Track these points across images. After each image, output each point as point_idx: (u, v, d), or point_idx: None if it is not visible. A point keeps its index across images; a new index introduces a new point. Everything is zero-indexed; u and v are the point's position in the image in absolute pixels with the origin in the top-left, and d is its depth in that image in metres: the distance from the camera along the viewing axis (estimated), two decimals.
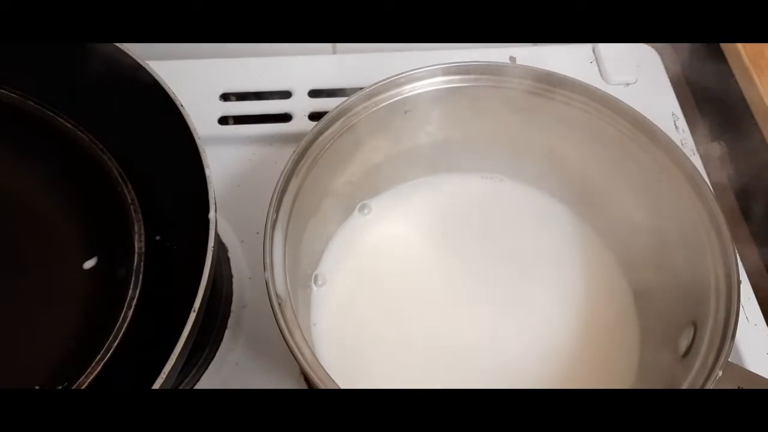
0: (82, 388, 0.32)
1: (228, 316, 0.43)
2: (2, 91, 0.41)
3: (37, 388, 0.35)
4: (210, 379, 0.41)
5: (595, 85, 0.40)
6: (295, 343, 0.31)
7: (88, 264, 0.39)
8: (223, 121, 0.51)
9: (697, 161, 0.50)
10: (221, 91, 0.52)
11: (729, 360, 0.32)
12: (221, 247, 0.45)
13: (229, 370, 0.41)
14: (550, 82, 0.40)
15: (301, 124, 0.51)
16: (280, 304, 0.31)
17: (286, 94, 0.53)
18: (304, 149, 0.36)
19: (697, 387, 0.31)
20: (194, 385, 0.40)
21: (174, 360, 0.30)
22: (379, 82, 0.39)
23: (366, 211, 0.44)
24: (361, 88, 0.39)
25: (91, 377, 0.33)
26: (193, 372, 0.40)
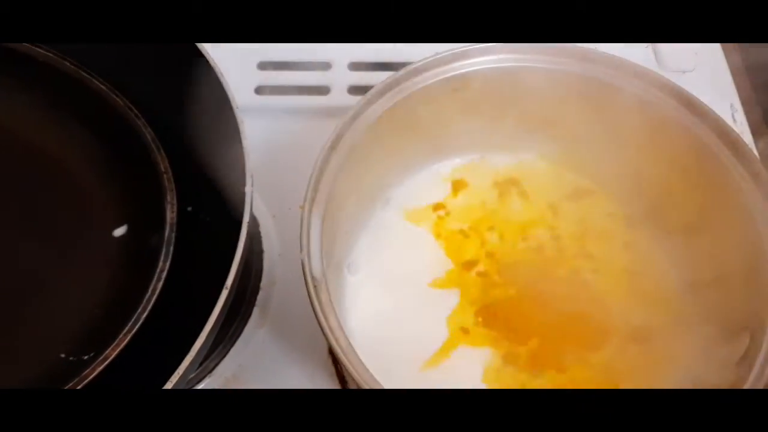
0: (109, 360, 0.32)
1: (257, 292, 0.42)
2: (39, 50, 0.40)
3: (62, 356, 0.34)
4: (236, 356, 0.40)
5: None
6: (329, 327, 0.29)
7: (118, 231, 0.38)
8: (259, 90, 0.50)
9: None
10: (259, 60, 0.51)
11: None
12: (253, 222, 0.44)
13: (256, 348, 0.40)
14: (611, 66, 0.37)
15: (339, 97, 0.49)
16: (315, 287, 0.30)
17: (325, 66, 0.51)
18: (348, 123, 0.35)
19: None
20: (220, 360, 0.39)
21: (203, 338, 0.29)
22: (431, 57, 0.37)
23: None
24: (408, 63, 0.37)
25: (119, 349, 0.32)
26: (219, 348, 0.39)
